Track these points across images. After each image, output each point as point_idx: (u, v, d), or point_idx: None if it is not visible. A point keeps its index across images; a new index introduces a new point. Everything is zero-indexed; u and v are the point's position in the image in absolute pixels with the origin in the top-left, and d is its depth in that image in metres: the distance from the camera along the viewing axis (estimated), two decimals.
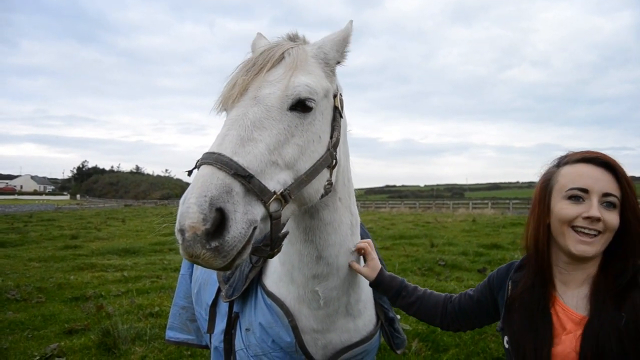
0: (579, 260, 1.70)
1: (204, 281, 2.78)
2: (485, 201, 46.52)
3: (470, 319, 2.07)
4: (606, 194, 1.63)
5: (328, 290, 2.05)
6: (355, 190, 2.19)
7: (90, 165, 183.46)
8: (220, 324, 2.37)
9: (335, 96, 1.85)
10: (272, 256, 1.62)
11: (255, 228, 1.44)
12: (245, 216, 1.40)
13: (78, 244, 16.08)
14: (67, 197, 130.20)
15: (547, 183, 1.78)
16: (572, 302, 1.71)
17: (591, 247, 1.63)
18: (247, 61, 1.75)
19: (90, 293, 8.35)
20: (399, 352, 2.48)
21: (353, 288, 2.15)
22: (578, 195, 1.65)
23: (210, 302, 2.54)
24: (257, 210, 1.45)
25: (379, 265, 2.16)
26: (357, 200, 2.21)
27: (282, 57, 1.73)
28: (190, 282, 3.27)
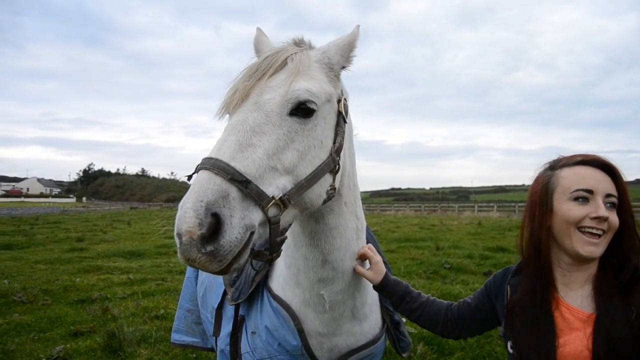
0: (583, 261, 1.72)
1: (210, 284, 2.79)
2: (491, 204, 46.36)
3: (469, 326, 2.09)
4: (608, 195, 1.68)
5: (333, 294, 2.05)
6: (361, 193, 2.19)
7: (96, 168, 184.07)
8: (226, 327, 2.37)
9: (339, 101, 1.85)
10: (271, 261, 1.63)
11: (252, 233, 1.44)
12: (242, 221, 1.40)
13: (84, 247, 16.13)
14: (73, 199, 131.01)
15: (547, 185, 1.78)
16: (576, 302, 1.72)
17: (597, 247, 1.67)
18: (250, 66, 1.76)
19: (96, 295, 8.38)
20: (404, 355, 2.48)
21: (359, 291, 2.15)
22: (584, 196, 1.68)
23: (216, 305, 2.54)
24: (255, 215, 1.45)
25: (384, 269, 2.16)
26: (362, 203, 2.20)
27: (285, 63, 1.73)
28: (196, 285, 3.28)
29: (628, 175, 1.75)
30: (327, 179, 1.76)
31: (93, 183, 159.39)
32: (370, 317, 2.24)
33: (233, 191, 1.41)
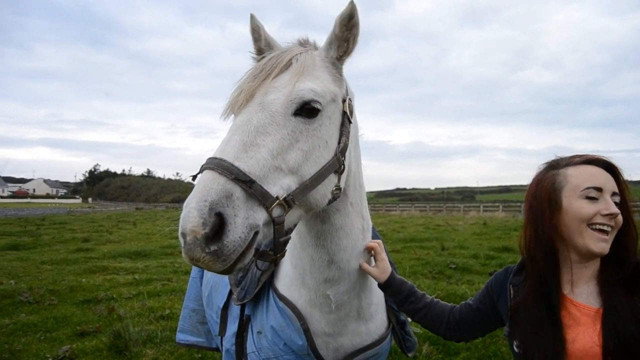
0: (591, 258, 1.74)
1: (215, 284, 2.79)
2: (496, 204, 46.13)
3: (471, 328, 2.09)
4: (614, 193, 1.72)
5: (339, 294, 2.05)
6: (366, 193, 2.18)
7: (102, 168, 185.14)
8: (232, 327, 2.38)
9: (344, 101, 1.84)
10: (275, 261, 1.62)
11: (257, 233, 1.45)
12: (247, 221, 1.41)
13: (90, 247, 16.22)
14: (79, 200, 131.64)
15: (553, 184, 1.78)
16: (582, 298, 1.73)
17: (607, 244, 1.70)
18: (255, 67, 1.76)
19: (102, 295, 8.42)
20: (410, 355, 2.48)
21: (364, 292, 2.14)
22: (594, 194, 1.70)
23: (221, 305, 2.55)
24: (259, 215, 1.46)
25: (389, 267, 2.15)
26: (367, 204, 2.20)
27: (289, 63, 1.74)
28: (201, 284, 3.28)
29: (634, 175, 1.78)
30: (332, 179, 1.75)
31: (99, 184, 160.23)
32: (376, 317, 2.24)
33: (237, 191, 1.41)
